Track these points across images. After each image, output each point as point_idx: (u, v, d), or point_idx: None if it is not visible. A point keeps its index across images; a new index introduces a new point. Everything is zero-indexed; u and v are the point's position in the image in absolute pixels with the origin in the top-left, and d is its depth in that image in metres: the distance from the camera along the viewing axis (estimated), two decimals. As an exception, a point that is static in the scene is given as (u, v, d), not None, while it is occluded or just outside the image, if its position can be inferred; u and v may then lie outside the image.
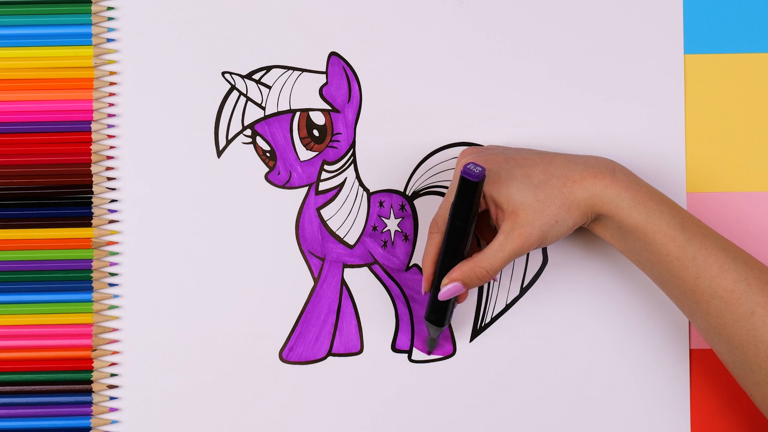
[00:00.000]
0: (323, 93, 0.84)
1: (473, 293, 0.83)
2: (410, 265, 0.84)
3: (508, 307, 0.83)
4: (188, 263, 0.83)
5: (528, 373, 0.83)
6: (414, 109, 0.84)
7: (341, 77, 0.84)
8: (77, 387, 0.82)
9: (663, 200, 0.75)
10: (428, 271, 0.78)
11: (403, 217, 0.84)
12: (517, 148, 0.80)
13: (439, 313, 0.78)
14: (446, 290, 0.76)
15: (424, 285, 0.79)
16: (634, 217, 0.74)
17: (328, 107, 0.84)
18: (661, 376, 0.83)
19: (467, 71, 0.84)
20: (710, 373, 0.82)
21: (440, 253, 0.77)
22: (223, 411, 0.83)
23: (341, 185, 0.84)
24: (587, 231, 0.80)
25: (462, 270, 0.76)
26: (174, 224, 0.83)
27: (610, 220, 0.75)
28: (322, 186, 0.84)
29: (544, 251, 0.83)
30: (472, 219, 0.74)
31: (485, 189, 0.75)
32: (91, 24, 0.84)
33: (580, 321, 0.83)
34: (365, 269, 0.84)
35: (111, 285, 0.83)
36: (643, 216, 0.74)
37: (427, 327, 0.80)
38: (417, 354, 0.83)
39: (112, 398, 0.82)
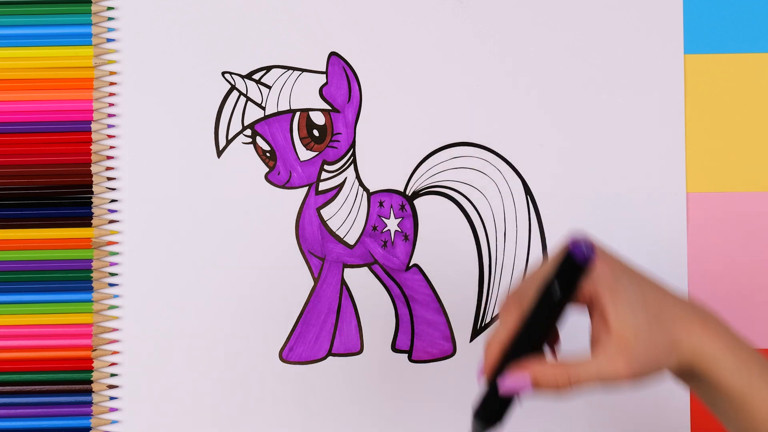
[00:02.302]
0: (323, 93, 0.84)
1: (473, 293, 0.83)
2: (410, 265, 0.84)
3: (508, 307, 0.83)
4: (188, 263, 0.83)
5: (528, 373, 0.83)
6: (414, 109, 0.84)
7: (341, 77, 0.84)
8: (77, 387, 0.82)
9: (764, 363, 0.63)
10: (494, 355, 0.61)
11: (403, 217, 0.84)
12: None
13: (495, 408, 0.62)
14: (512, 380, 0.61)
15: (487, 370, 0.62)
16: (735, 382, 0.62)
17: (328, 107, 0.84)
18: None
19: (467, 71, 0.84)
20: (710, 373, 0.82)
21: (514, 338, 0.61)
22: (223, 411, 0.83)
23: (341, 185, 0.84)
24: (586, 231, 0.80)
25: (543, 368, 0.60)
26: (174, 224, 0.83)
27: (705, 381, 0.63)
28: (322, 186, 0.84)
29: (545, 251, 0.83)
30: (564, 308, 0.61)
31: (593, 287, 0.61)
32: (91, 24, 0.84)
33: (580, 321, 0.83)
34: (365, 269, 0.84)
35: (111, 285, 0.83)
36: (746, 383, 0.62)
37: (474, 426, 0.63)
38: (417, 354, 0.83)
39: (112, 398, 0.82)
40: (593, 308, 0.62)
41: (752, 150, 0.83)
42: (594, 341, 0.62)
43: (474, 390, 0.83)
